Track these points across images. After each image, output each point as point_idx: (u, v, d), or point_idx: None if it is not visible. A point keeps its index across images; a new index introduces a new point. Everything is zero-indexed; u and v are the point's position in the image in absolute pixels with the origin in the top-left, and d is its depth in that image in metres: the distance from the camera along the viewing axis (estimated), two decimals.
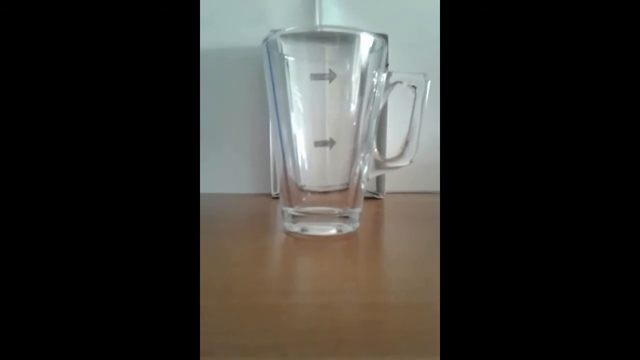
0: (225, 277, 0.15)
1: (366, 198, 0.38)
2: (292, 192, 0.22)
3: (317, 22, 0.40)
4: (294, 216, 0.22)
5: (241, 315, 0.12)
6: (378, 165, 0.24)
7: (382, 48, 0.21)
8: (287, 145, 0.22)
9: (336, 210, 0.22)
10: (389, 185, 0.39)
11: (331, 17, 0.40)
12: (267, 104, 0.23)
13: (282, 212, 0.23)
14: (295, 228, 0.22)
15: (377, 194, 0.39)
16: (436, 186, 0.42)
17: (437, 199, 0.38)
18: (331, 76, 0.21)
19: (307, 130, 0.22)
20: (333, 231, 0.22)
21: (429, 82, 0.22)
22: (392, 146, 0.34)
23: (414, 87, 0.22)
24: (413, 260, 0.19)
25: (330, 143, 0.22)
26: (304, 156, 0.22)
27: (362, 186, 0.23)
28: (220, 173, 0.41)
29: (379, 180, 0.39)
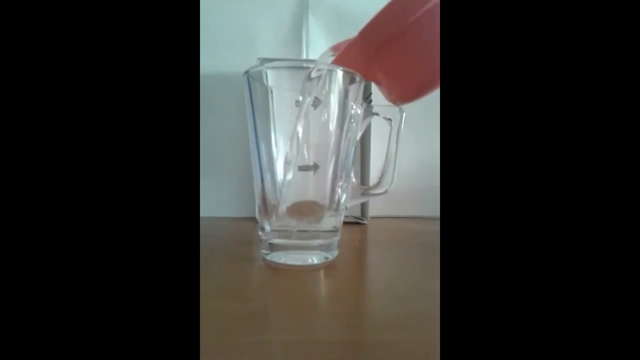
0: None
1: (350, 223, 0.38)
2: (270, 216, 0.22)
3: (304, 51, 0.42)
4: (271, 244, 0.22)
5: (212, 355, 0.12)
6: (356, 193, 0.24)
7: (360, 81, 0.22)
8: (266, 169, 0.22)
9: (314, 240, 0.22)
10: (373, 210, 0.39)
11: (318, 47, 0.42)
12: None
13: (261, 240, 0.23)
14: (273, 257, 0.22)
15: (361, 219, 0.39)
16: (421, 211, 0.43)
17: (422, 225, 0.39)
18: (316, 103, 0.22)
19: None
20: (311, 260, 0.22)
21: (404, 115, 0.23)
22: (375, 175, 0.35)
23: (389, 119, 0.23)
24: (393, 292, 0.18)
25: (314, 167, 0.22)
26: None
27: (341, 214, 0.23)
28: (206, 196, 0.41)
29: (363, 205, 0.39)
